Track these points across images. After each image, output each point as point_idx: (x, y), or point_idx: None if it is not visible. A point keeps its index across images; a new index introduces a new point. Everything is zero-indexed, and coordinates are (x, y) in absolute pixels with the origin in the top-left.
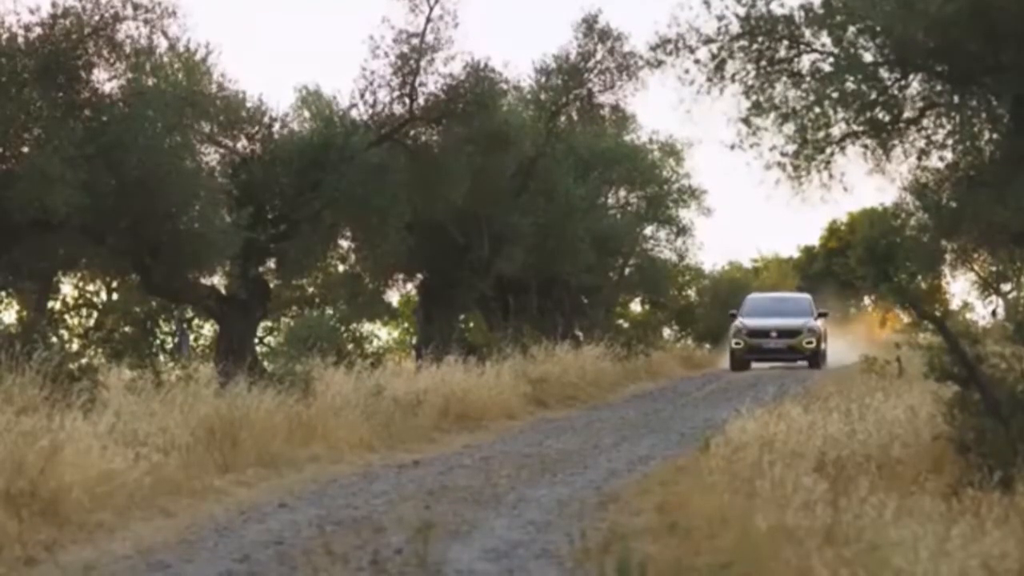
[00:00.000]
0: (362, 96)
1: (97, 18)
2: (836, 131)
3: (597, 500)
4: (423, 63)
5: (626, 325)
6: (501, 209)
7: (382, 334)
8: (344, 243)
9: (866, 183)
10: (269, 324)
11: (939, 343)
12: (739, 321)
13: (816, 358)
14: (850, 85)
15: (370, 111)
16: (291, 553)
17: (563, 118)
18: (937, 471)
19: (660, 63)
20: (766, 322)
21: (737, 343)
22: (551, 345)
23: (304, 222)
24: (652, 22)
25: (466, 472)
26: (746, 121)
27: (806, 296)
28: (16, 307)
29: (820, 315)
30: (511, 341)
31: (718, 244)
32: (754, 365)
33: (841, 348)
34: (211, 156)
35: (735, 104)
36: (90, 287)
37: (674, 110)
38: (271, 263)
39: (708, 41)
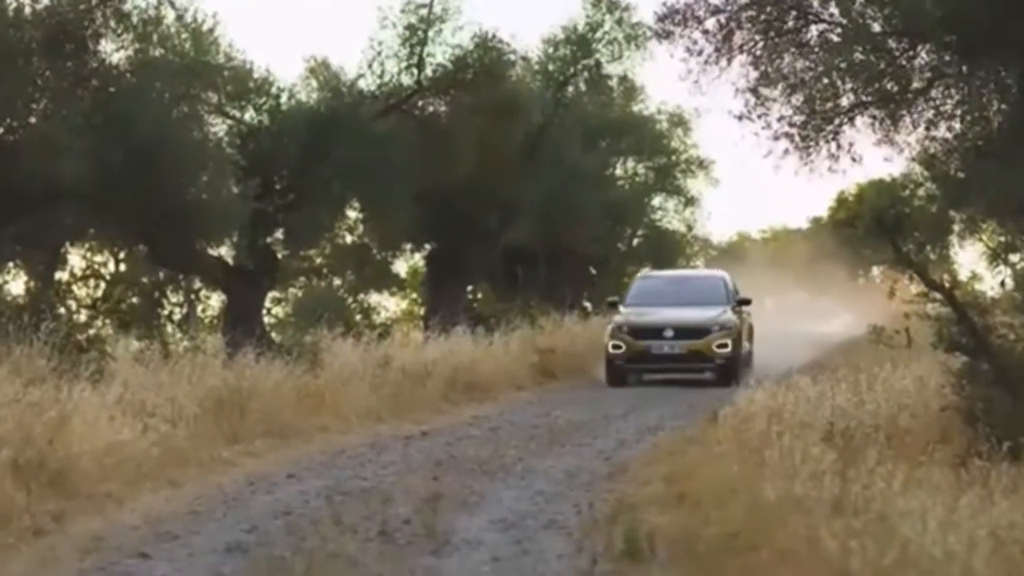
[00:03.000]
0: (370, 66)
1: None
2: (844, 102)
3: (605, 471)
4: (431, 33)
5: None
6: (509, 180)
7: (390, 305)
8: (352, 214)
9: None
10: (277, 295)
11: (948, 314)
12: (620, 314)
13: (731, 368)
14: (858, 56)
15: (378, 81)
16: (299, 523)
17: (571, 88)
18: (946, 441)
19: (668, 33)
20: (658, 315)
21: (615, 346)
22: (559, 316)
23: (312, 193)
24: None
25: (474, 443)
26: (754, 91)
27: (721, 275)
28: (23, 278)
29: (741, 302)
30: (519, 312)
31: (726, 215)
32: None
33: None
34: (219, 127)
35: (743, 74)
36: (98, 258)
37: (682, 80)
38: (279, 234)
39: (716, 11)
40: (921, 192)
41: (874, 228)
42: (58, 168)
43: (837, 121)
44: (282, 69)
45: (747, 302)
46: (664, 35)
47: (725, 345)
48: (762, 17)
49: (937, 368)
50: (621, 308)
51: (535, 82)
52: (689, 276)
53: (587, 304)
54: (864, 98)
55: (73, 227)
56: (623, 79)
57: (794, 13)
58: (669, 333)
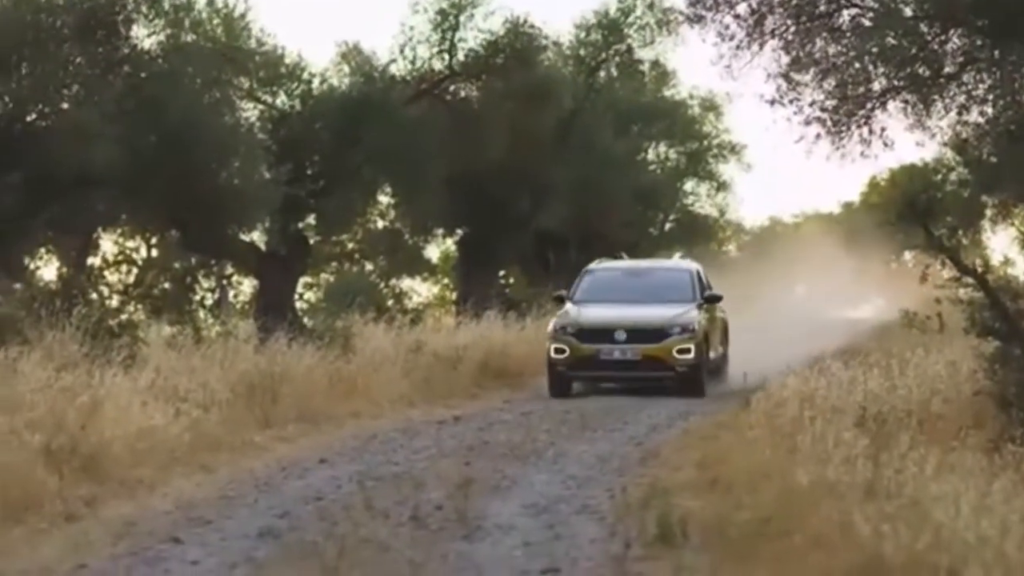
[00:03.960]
0: (402, 51)
1: None
2: (876, 86)
3: (638, 455)
4: (462, 19)
5: None
6: (541, 164)
7: (422, 290)
8: (384, 198)
9: (906, 138)
10: (309, 280)
11: (980, 298)
12: (567, 311)
13: (693, 377)
14: (890, 40)
15: (410, 66)
16: (331, 509)
17: (603, 73)
18: (978, 426)
19: (700, 18)
20: (609, 314)
21: (558, 350)
22: None
23: (343, 178)
24: None
25: (506, 428)
26: (786, 76)
27: (689, 267)
28: (56, 263)
29: (711, 299)
30: (551, 297)
31: (758, 200)
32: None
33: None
34: (250, 112)
35: (775, 59)
36: (130, 243)
37: (714, 65)
38: (311, 219)
39: None
40: (953, 177)
41: (906, 213)
42: (90, 154)
43: (869, 106)
44: (314, 54)
45: (717, 298)
46: (696, 20)
47: (687, 350)
48: (794, 2)
49: (969, 353)
50: (568, 304)
51: (566, 67)
52: (651, 268)
53: None
54: (896, 83)
55: (105, 213)
56: (655, 64)
57: None
58: (621, 335)
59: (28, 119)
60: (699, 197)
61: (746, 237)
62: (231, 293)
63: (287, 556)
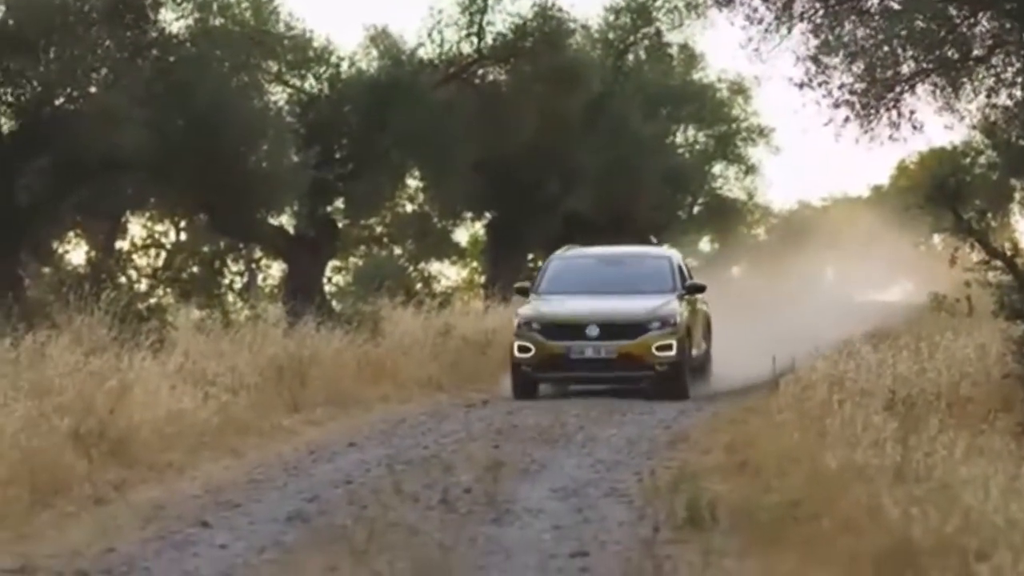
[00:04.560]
0: (430, 35)
1: None
2: (905, 69)
3: (666, 439)
4: (491, 2)
5: (695, 264)
6: (569, 148)
7: (450, 273)
8: (412, 182)
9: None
10: (337, 263)
11: (1009, 281)
12: (531, 303)
13: (675, 377)
14: (919, 23)
15: (438, 50)
16: (360, 492)
17: (631, 56)
18: (1007, 409)
19: (728, 1)
20: (580, 307)
21: (523, 347)
22: None
23: (372, 161)
24: None
25: (535, 411)
26: (814, 59)
27: (668, 254)
28: (84, 247)
29: (693, 289)
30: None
31: (787, 183)
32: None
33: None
34: (279, 95)
35: (803, 42)
36: (158, 227)
37: (742, 48)
38: (339, 202)
39: None
40: (982, 160)
41: (935, 196)
42: (118, 137)
43: (898, 89)
44: (342, 37)
45: (700, 288)
46: (724, 3)
47: (668, 347)
48: None
49: (998, 336)
50: (532, 296)
51: (595, 50)
52: (625, 255)
53: None
54: (925, 66)
55: (133, 196)
56: (683, 47)
57: None
58: (593, 331)
59: (56, 103)
60: (727, 180)
61: (774, 221)
62: (260, 277)
63: (316, 540)
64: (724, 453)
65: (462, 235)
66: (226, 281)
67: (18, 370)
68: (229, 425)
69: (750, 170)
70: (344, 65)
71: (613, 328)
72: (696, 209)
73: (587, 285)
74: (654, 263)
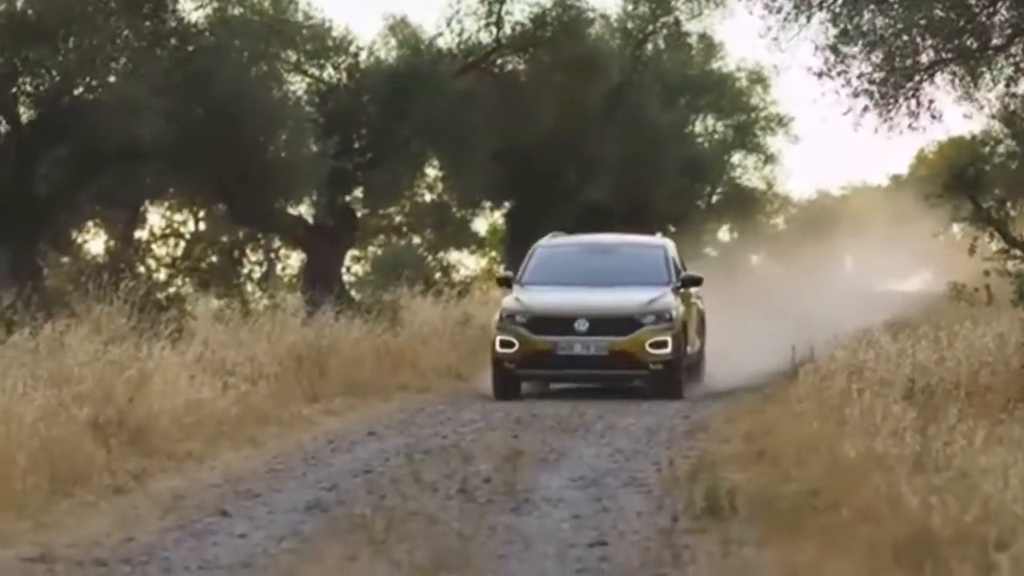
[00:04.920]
0: (449, 24)
1: None
2: (924, 59)
3: (685, 428)
4: None
5: (714, 254)
6: (588, 137)
7: (469, 263)
8: (431, 171)
9: (954, 111)
10: (356, 253)
11: None
12: (515, 295)
13: (670, 377)
14: (938, 12)
15: (457, 39)
16: (380, 482)
17: (650, 46)
18: None
19: None
20: (568, 299)
21: (505, 343)
22: None
23: (391, 151)
24: None
25: (554, 401)
26: (833, 48)
27: (662, 243)
28: (103, 237)
29: (688, 282)
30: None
31: (806, 172)
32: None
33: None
34: (297, 85)
35: (822, 31)
36: (177, 216)
37: (761, 37)
38: (358, 192)
39: None
40: (1001, 149)
41: (954, 185)
42: (137, 127)
43: (917, 78)
44: (361, 27)
45: (696, 281)
46: None
47: (663, 344)
48: None
49: (1018, 325)
50: (516, 287)
51: (614, 40)
52: (616, 244)
53: None
54: (944, 55)
55: (152, 186)
56: (702, 36)
57: None
58: (582, 325)
59: (75, 92)
60: (746, 170)
61: (793, 210)
62: (278, 266)
63: (335, 529)
64: (743, 442)
65: (481, 224)
66: (245, 271)
67: (37, 359)
68: (248, 415)
69: (769, 159)
70: (363, 55)
71: (604, 323)
72: (715, 198)
73: (575, 276)
74: (647, 253)
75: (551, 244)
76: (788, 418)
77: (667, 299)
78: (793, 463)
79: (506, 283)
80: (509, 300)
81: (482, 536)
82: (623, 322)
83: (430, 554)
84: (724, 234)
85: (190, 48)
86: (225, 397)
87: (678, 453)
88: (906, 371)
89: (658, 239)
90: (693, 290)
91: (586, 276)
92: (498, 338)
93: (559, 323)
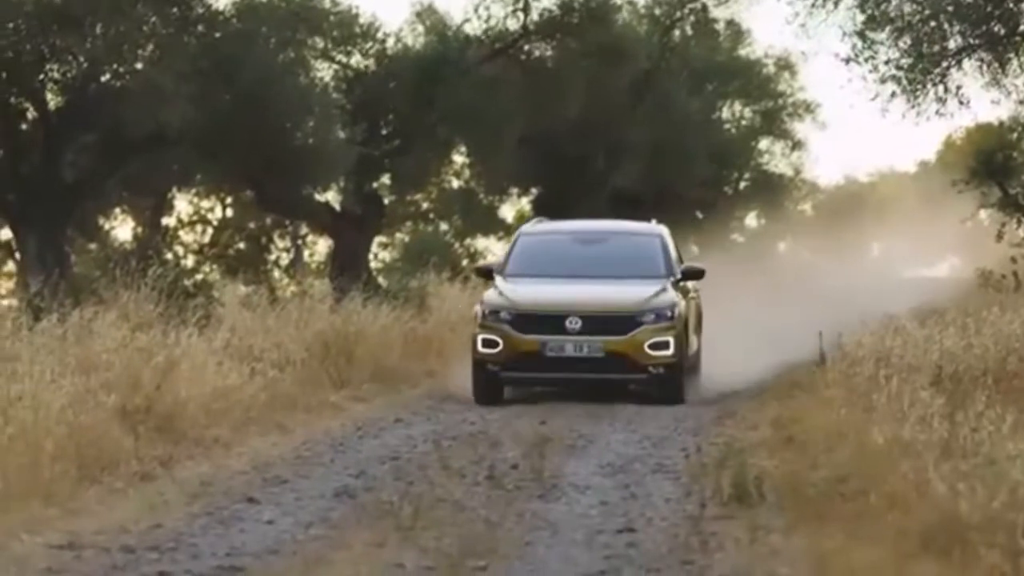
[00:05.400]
0: (476, 11)
1: None
2: (952, 44)
3: (713, 415)
4: None
5: (741, 240)
6: (616, 123)
7: (497, 249)
8: (458, 158)
9: (982, 97)
10: (384, 240)
11: None
12: (497, 290)
13: (672, 380)
14: None
15: (484, 26)
16: (407, 468)
17: (677, 32)
18: None
19: None
20: (558, 294)
21: (488, 342)
22: None
23: (418, 137)
24: None
25: (582, 388)
26: (861, 35)
27: (657, 231)
28: (131, 224)
29: (689, 274)
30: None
31: (833, 158)
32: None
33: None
34: (325, 72)
35: (850, 17)
36: (204, 203)
37: (789, 24)
38: (385, 178)
39: None
40: None
41: (982, 171)
42: (164, 114)
43: (944, 64)
44: (388, 13)
45: (698, 273)
46: None
47: (664, 344)
48: None
49: None
50: (499, 280)
51: (641, 26)
52: (608, 231)
53: (694, 248)
54: (971, 41)
55: (180, 173)
56: (730, 23)
57: None
58: (575, 323)
59: (103, 79)
60: (774, 156)
61: (821, 196)
62: (306, 253)
63: (362, 516)
64: (771, 429)
65: (508, 211)
66: (272, 257)
67: (65, 346)
68: (275, 401)
69: (796, 145)
70: (390, 41)
71: (598, 321)
72: (742, 185)
73: (563, 267)
74: (642, 242)
75: (536, 231)
76: (816, 405)
77: (668, 295)
78: (821, 449)
79: (486, 274)
80: (491, 294)
81: (509, 523)
82: (620, 320)
83: (457, 541)
84: (751, 220)
85: (217, 35)
86: (252, 384)
87: (706, 440)
88: (934, 357)
89: (653, 226)
90: (691, 283)
91: (576, 267)
92: (480, 337)
93: (548, 321)
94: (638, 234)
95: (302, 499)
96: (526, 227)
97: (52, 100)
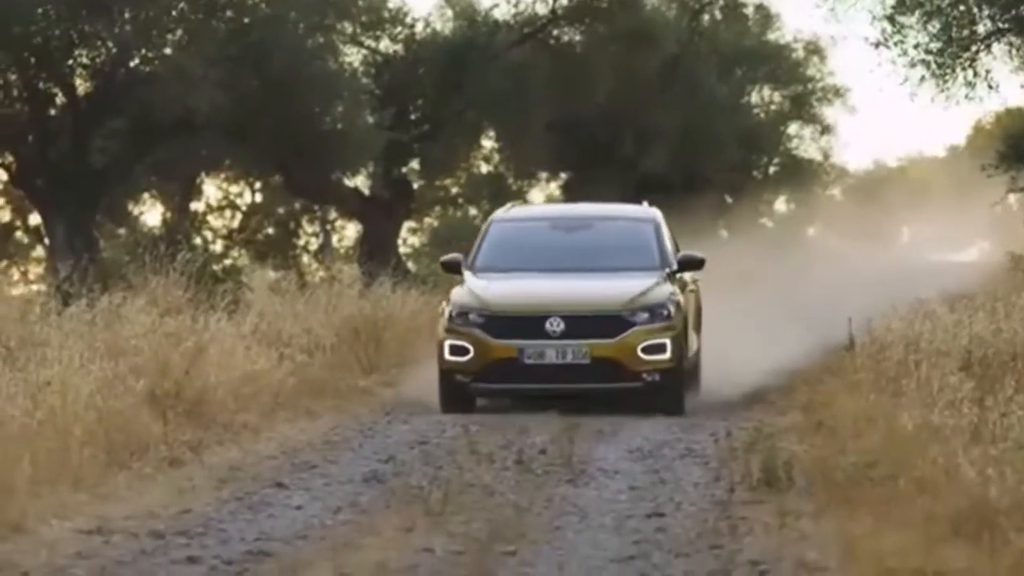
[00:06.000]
0: None
1: None
2: (981, 29)
3: (742, 400)
4: None
5: (770, 224)
6: (645, 107)
7: None
8: (487, 143)
9: (1011, 81)
10: (412, 224)
11: None
12: (467, 286)
13: (671, 388)
14: None
15: (513, 11)
16: (436, 453)
17: (706, 16)
18: None
19: None
20: (538, 289)
21: (458, 347)
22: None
23: (447, 122)
24: None
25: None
26: (891, 19)
27: (650, 215)
28: (159, 209)
29: (687, 264)
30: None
31: (862, 143)
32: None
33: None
34: (354, 57)
35: (879, 1)
36: (233, 188)
37: (818, 8)
38: (414, 163)
39: None
40: None
41: (1011, 155)
42: (193, 99)
43: (974, 48)
44: None
45: (696, 263)
46: None
47: (660, 347)
48: None
49: None
50: (468, 276)
51: (670, 11)
52: (591, 216)
53: (723, 233)
54: (1001, 25)
55: (208, 158)
56: (759, 7)
57: None
58: (556, 325)
59: (132, 64)
60: (803, 140)
61: (850, 181)
62: (335, 238)
63: (391, 501)
64: (800, 413)
65: (537, 195)
66: (301, 242)
67: (94, 331)
68: (304, 386)
69: (825, 130)
70: (419, 26)
71: (584, 322)
72: (771, 169)
73: (542, 260)
74: (633, 228)
75: (510, 217)
76: (846, 389)
77: (663, 289)
78: (850, 434)
79: (453, 268)
80: (460, 292)
81: (538, 507)
82: (609, 321)
83: (486, 525)
84: (781, 205)
85: (246, 20)
86: (281, 369)
87: (735, 424)
88: (963, 342)
89: (645, 209)
90: (689, 275)
91: (557, 259)
92: (447, 343)
93: (526, 323)
94: (628, 219)
95: (331, 484)
96: (499, 213)
97: (81, 85)
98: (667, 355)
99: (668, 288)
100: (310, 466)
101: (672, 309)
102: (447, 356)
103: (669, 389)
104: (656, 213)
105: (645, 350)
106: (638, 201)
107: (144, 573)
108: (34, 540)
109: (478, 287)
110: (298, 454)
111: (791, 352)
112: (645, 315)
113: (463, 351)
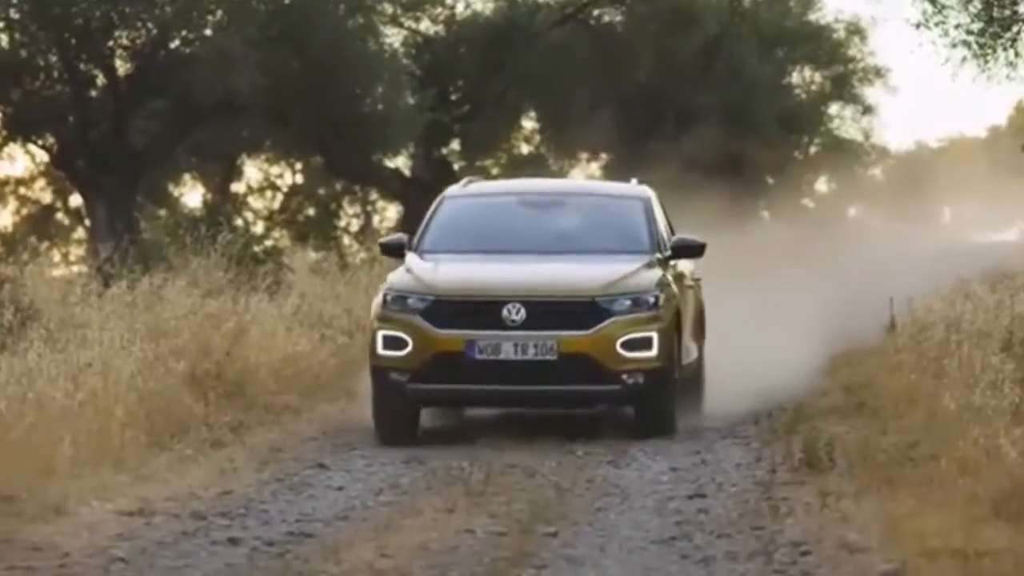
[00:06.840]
0: None
1: None
2: (1022, 9)
3: (783, 382)
4: None
5: (811, 205)
6: (685, 89)
7: None
8: (528, 123)
9: None
10: None
11: None
12: (409, 267)
13: (657, 394)
14: None
15: None
16: (477, 433)
17: None
18: None
19: None
20: (493, 272)
21: (393, 339)
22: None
23: (488, 103)
24: None
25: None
26: (931, 0)
27: (638, 193)
28: (200, 190)
29: (682, 249)
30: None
31: (904, 123)
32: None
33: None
34: (394, 38)
35: None
36: (274, 169)
37: None
38: (455, 144)
39: None
40: None
41: None
42: (233, 80)
43: (1015, 28)
44: None
45: (695, 249)
46: None
47: (646, 342)
48: None
49: None
50: (410, 257)
51: None
52: (567, 191)
53: (764, 213)
54: None
55: (249, 139)
56: None
57: None
58: (515, 313)
59: (172, 45)
60: (844, 121)
61: (891, 161)
62: (376, 219)
63: (433, 482)
64: (842, 394)
65: (578, 176)
66: (342, 223)
67: (135, 313)
68: (346, 367)
69: (867, 111)
70: (460, 6)
71: (549, 309)
72: (812, 150)
73: (504, 240)
74: (617, 206)
75: (468, 193)
76: (887, 370)
77: (651, 274)
78: (891, 415)
79: (394, 251)
80: (398, 275)
81: (580, 488)
82: (580, 308)
83: (527, 506)
84: (822, 185)
85: (286, 1)
86: (322, 349)
87: (776, 405)
88: (1004, 322)
89: (635, 186)
90: (688, 268)
91: (523, 241)
92: (380, 334)
93: (478, 310)
94: (612, 196)
95: (372, 465)
96: (452, 189)
97: (121, 67)
98: (653, 352)
99: (657, 272)
100: (351, 447)
101: (661, 297)
102: (379, 350)
103: (655, 396)
104: (647, 191)
105: (626, 345)
106: (683, 184)
107: (185, 554)
108: (75, 522)
109: (422, 269)
110: (339, 435)
111: (832, 332)
112: (627, 303)
113: (399, 343)
